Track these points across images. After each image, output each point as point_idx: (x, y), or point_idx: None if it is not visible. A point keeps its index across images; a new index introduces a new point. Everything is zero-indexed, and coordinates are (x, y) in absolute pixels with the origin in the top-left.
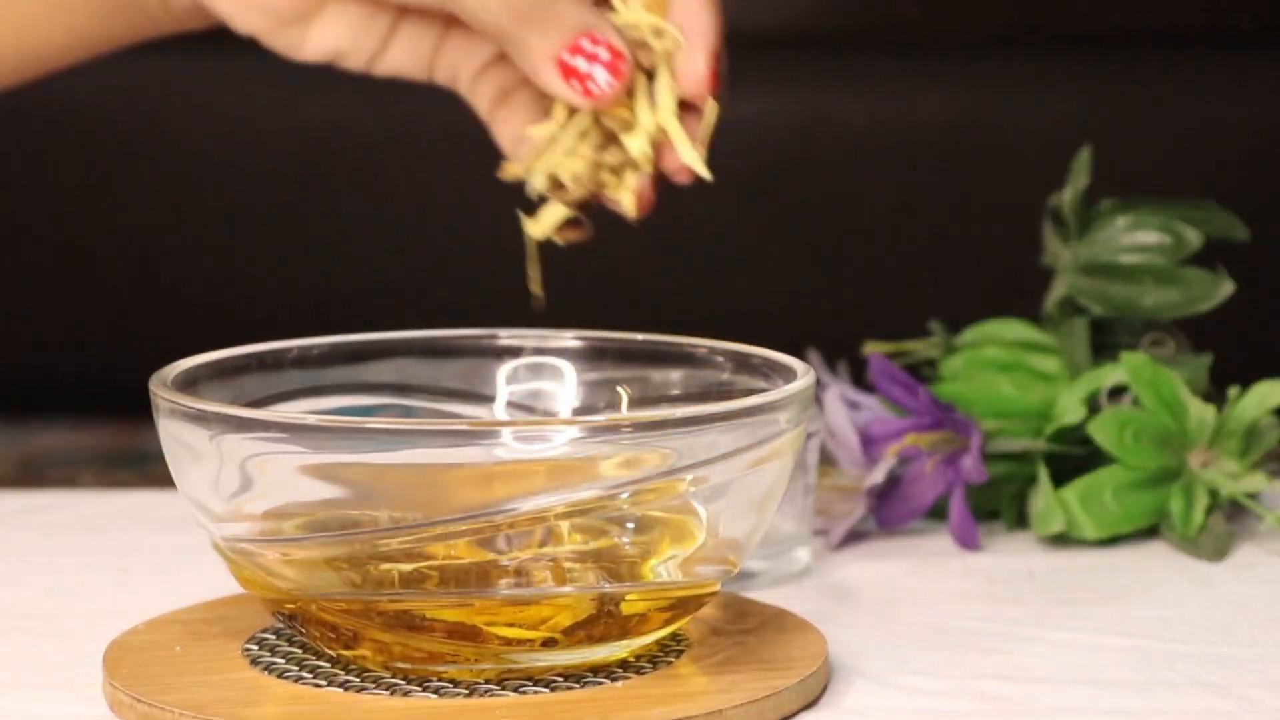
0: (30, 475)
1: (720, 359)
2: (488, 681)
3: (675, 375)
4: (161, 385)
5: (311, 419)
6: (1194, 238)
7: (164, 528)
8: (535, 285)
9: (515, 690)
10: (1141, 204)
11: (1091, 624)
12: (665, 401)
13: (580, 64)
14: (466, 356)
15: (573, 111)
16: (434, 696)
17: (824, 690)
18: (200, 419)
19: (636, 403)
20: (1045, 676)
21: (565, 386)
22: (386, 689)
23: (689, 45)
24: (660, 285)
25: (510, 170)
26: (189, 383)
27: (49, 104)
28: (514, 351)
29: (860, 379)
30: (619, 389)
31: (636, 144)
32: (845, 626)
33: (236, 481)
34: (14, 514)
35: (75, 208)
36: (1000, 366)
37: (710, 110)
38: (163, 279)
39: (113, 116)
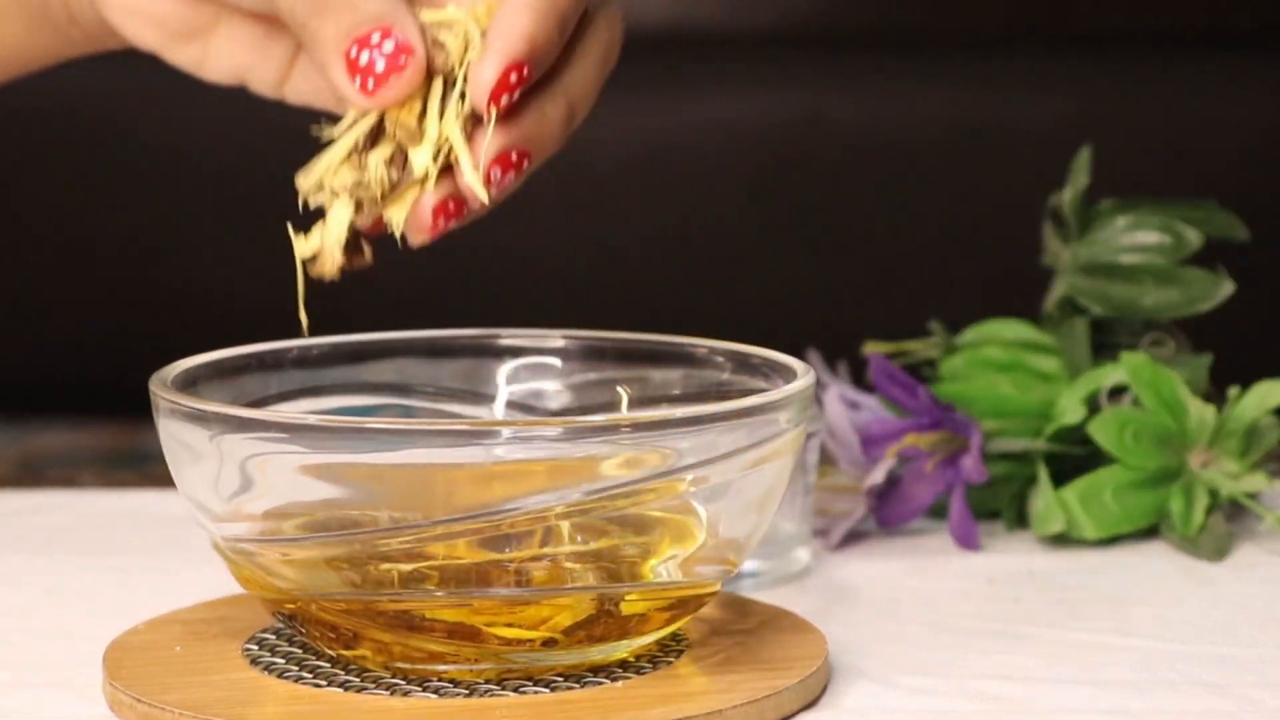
0: (30, 475)
1: (720, 359)
2: (488, 681)
3: (675, 375)
4: (161, 385)
5: (311, 419)
6: (1194, 238)
7: (164, 528)
8: (302, 312)
9: (515, 690)
10: (1141, 204)
11: (1091, 624)
12: (665, 401)
13: (365, 58)
14: (466, 356)
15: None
16: (434, 696)
17: (824, 690)
18: (200, 419)
19: (636, 403)
20: (1045, 676)
21: (566, 387)
22: (386, 689)
23: (485, 50)
24: (660, 285)
25: (300, 184)
26: (189, 383)
27: (48, 104)
28: (514, 351)
29: (860, 379)
30: (619, 389)
31: (420, 157)
32: (845, 626)
33: (236, 481)
34: (14, 514)
35: (75, 208)
36: (1000, 366)
37: (491, 121)
38: (163, 279)
39: (113, 116)
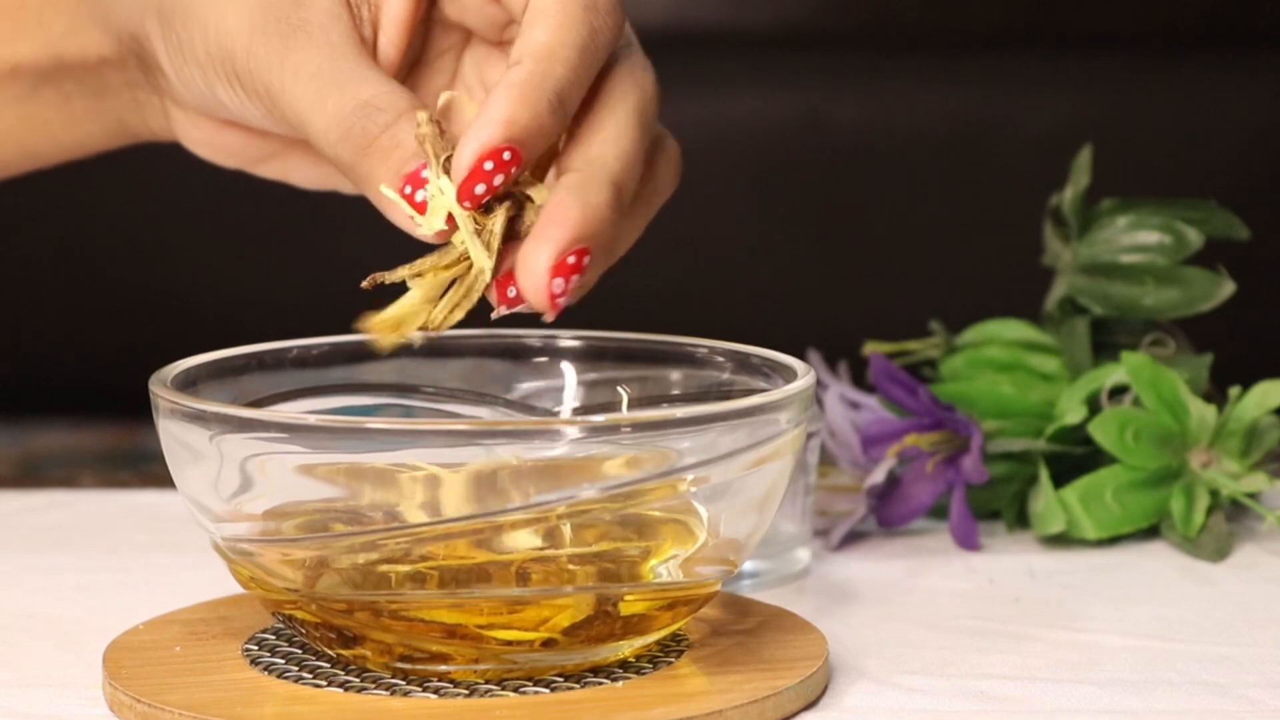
0: (30, 475)
1: (720, 359)
2: (488, 682)
3: (675, 375)
4: (161, 385)
5: (311, 419)
6: (1194, 237)
7: (164, 528)
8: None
9: (515, 690)
10: (1142, 204)
11: (1091, 624)
12: (665, 401)
13: (421, 195)
14: (466, 356)
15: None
16: (434, 696)
17: (824, 690)
18: (200, 419)
19: (636, 403)
20: (1045, 676)
21: (565, 386)
22: (386, 689)
23: (461, 140)
24: (660, 285)
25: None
26: (188, 383)
27: None
28: (514, 351)
29: (860, 379)
30: (619, 389)
31: (476, 258)
32: (845, 626)
33: (236, 481)
34: (14, 514)
35: (75, 207)
36: (1001, 366)
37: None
38: (163, 279)
39: None
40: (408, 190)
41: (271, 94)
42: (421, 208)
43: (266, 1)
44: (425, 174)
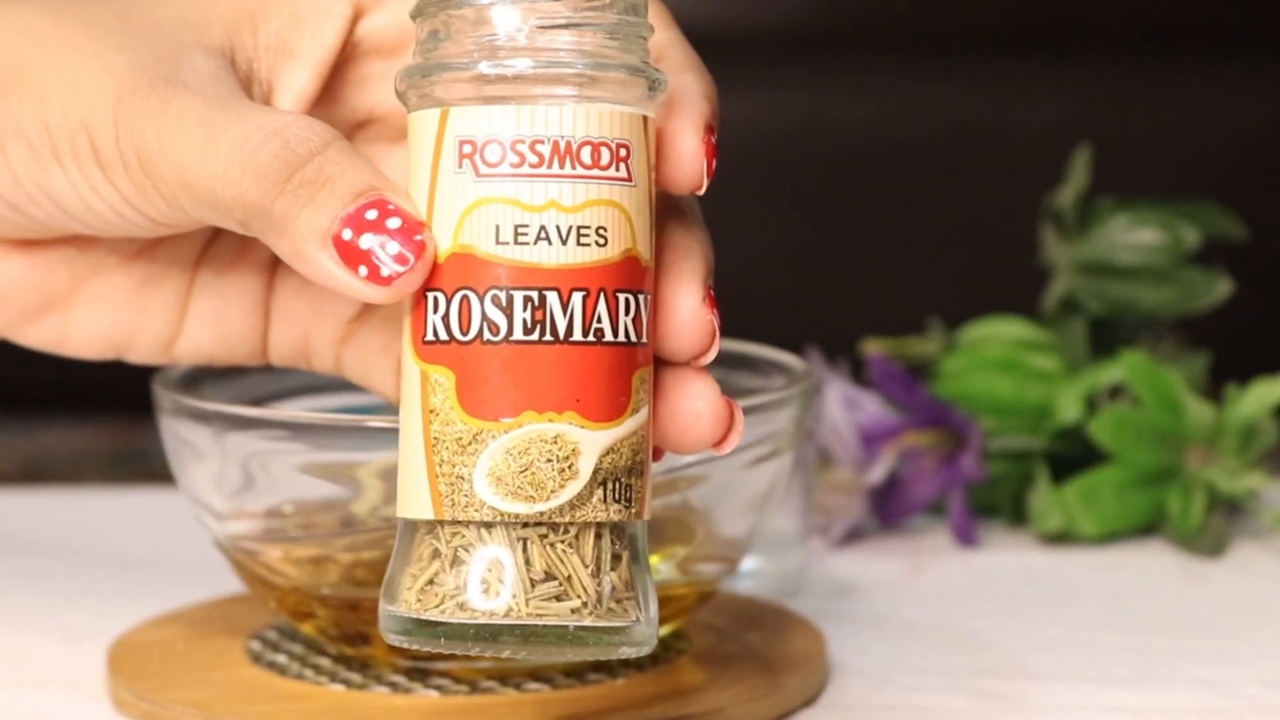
0: (34, 474)
1: (720, 358)
2: (489, 678)
3: None
4: (165, 384)
5: (314, 417)
6: (1192, 237)
7: (167, 526)
8: None
9: (517, 687)
10: (1140, 203)
11: (1090, 621)
12: None
13: (365, 240)
14: None
15: None
16: (435, 693)
17: (824, 688)
18: (203, 418)
19: None
20: (1044, 673)
21: None
22: (388, 686)
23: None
24: None
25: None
26: (192, 381)
27: None
28: None
29: (860, 377)
30: None
31: None
32: (845, 625)
33: (239, 480)
34: (18, 512)
35: None
36: (999, 365)
37: None
38: None
39: None
40: (346, 235)
41: (147, 154)
42: (357, 258)
43: (137, 64)
44: (370, 215)
